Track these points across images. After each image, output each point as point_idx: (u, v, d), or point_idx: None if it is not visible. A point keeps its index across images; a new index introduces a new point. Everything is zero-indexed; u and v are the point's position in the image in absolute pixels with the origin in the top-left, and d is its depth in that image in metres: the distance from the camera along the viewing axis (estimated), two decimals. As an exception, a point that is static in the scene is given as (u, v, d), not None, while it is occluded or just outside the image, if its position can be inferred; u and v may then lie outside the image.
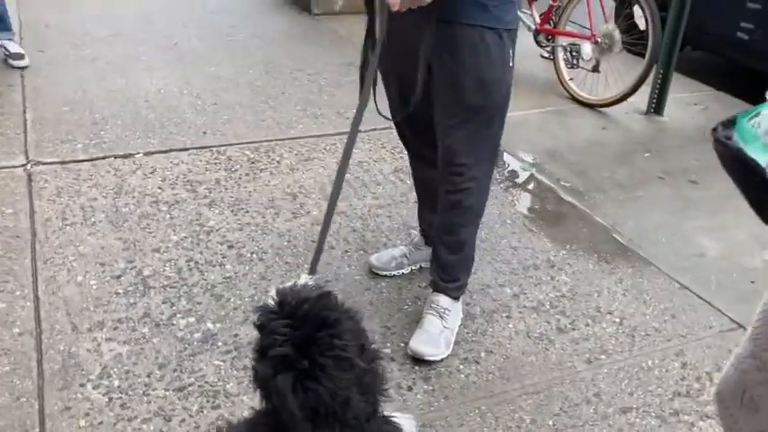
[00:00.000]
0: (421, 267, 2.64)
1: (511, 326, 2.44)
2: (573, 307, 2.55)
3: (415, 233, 2.69)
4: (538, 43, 4.70)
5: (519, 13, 2.05)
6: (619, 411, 2.11)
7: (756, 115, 1.08)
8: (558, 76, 4.51)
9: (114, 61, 4.46)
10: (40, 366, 2.11)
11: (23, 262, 2.56)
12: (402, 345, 2.29)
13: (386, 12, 1.77)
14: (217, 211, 2.96)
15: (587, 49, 4.25)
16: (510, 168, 3.55)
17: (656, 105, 4.30)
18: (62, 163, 3.24)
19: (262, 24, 5.35)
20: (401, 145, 2.50)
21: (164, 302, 2.41)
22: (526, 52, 4.66)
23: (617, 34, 4.15)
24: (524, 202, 3.30)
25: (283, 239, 2.79)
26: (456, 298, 2.35)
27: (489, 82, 2.00)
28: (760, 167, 1.03)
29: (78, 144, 3.42)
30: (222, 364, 2.17)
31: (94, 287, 2.47)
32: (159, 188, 3.10)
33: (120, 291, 2.46)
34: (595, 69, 4.29)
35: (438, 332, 2.27)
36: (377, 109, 2.06)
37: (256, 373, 1.23)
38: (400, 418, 1.38)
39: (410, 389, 2.13)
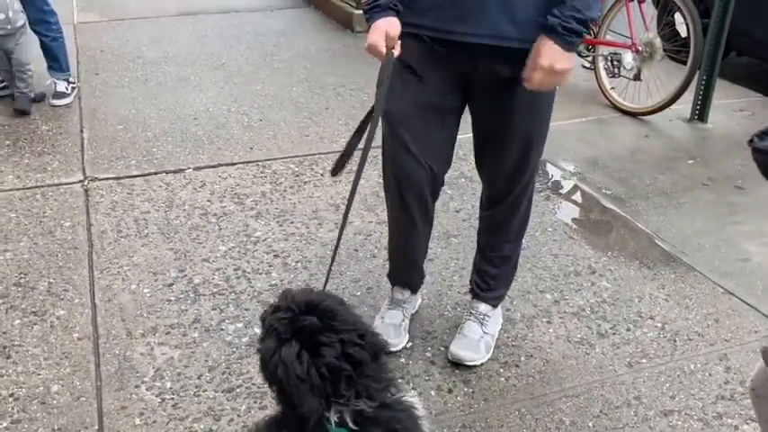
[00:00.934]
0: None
1: (551, 331, 2.46)
2: (614, 312, 2.56)
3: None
4: (578, 53, 4.70)
5: None
6: (660, 414, 2.11)
7: None
8: (600, 86, 4.51)
9: (165, 82, 4.64)
10: (98, 369, 2.23)
11: (81, 272, 2.70)
12: (443, 349, 2.34)
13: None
14: (263, 223, 3.06)
15: (628, 57, 4.25)
16: (552, 178, 3.57)
17: (700, 112, 4.25)
18: (117, 179, 3.40)
19: (305, 44, 5.49)
20: None
21: (213, 309, 2.52)
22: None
23: (658, 42, 4.14)
24: (565, 210, 3.31)
25: (326, 249, 2.87)
26: (495, 305, 2.39)
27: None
28: None
29: (132, 160, 3.58)
30: (268, 367, 2.25)
31: (148, 295, 2.59)
32: (208, 201, 3.22)
33: (172, 298, 2.57)
34: (637, 78, 4.28)
35: (478, 338, 2.30)
36: None
37: (262, 354, 1.32)
38: (409, 397, 1.42)
39: (450, 391, 2.17)
